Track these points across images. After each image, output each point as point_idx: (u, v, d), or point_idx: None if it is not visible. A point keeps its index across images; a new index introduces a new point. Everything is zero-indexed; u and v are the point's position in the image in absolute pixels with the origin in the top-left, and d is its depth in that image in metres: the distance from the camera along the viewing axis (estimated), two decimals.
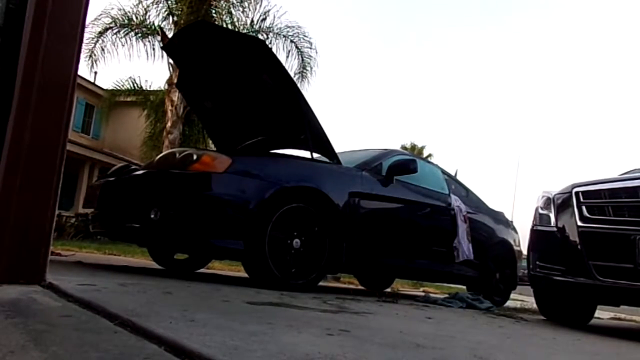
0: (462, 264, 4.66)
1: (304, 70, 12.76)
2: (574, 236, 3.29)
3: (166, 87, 12.28)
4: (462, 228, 4.59)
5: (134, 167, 4.15)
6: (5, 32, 1.93)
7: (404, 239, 4.21)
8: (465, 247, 4.55)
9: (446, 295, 4.51)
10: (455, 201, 4.69)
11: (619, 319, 6.16)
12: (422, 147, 31.95)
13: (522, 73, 61.74)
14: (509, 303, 5.45)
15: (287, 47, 12.55)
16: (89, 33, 11.89)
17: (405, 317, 2.61)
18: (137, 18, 12.32)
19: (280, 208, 3.24)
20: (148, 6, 12.14)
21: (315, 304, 2.53)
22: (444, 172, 5.15)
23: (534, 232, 3.75)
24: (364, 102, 57.40)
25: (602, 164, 46.14)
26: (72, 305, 1.60)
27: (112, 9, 12.22)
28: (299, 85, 4.70)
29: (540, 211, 3.69)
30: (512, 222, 5.90)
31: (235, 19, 12.34)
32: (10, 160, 1.83)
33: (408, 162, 4.12)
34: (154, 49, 12.44)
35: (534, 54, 62.63)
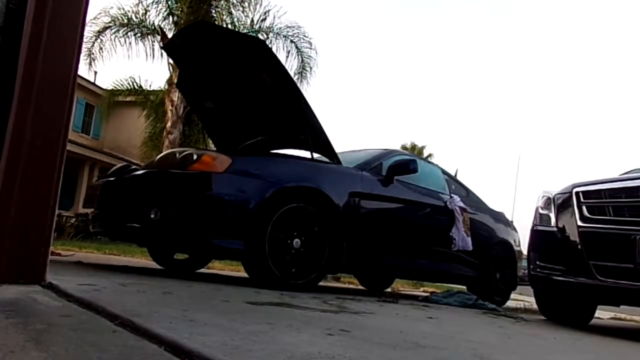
0: (462, 264, 4.66)
1: (304, 70, 12.79)
2: (574, 236, 3.29)
3: (166, 87, 12.28)
4: (460, 219, 4.59)
5: (134, 167, 4.15)
6: (5, 32, 1.93)
7: (404, 239, 4.21)
8: (461, 237, 4.55)
9: (444, 292, 4.53)
10: (456, 202, 4.69)
11: (619, 319, 6.16)
12: (422, 147, 31.91)
13: (523, 72, 61.78)
14: (509, 303, 5.44)
15: (287, 47, 12.58)
16: (87, 32, 11.89)
17: (406, 317, 2.61)
18: (136, 17, 12.33)
19: (281, 208, 3.24)
20: (148, 6, 12.16)
21: (315, 304, 2.53)
22: (444, 172, 5.16)
23: (534, 232, 3.75)
24: (364, 101, 57.42)
25: (602, 164, 46.15)
26: (72, 305, 1.60)
27: (112, 8, 12.23)
28: (298, 85, 4.70)
29: (541, 211, 3.69)
30: (512, 222, 5.90)
31: (235, 19, 12.35)
32: (10, 160, 1.83)
33: (408, 162, 4.13)
34: (153, 48, 12.45)
35: (535, 52, 62.67)
